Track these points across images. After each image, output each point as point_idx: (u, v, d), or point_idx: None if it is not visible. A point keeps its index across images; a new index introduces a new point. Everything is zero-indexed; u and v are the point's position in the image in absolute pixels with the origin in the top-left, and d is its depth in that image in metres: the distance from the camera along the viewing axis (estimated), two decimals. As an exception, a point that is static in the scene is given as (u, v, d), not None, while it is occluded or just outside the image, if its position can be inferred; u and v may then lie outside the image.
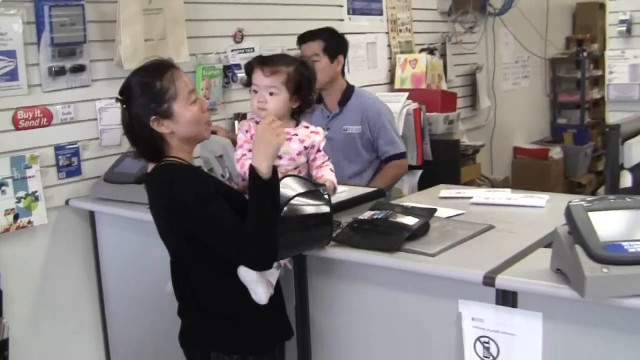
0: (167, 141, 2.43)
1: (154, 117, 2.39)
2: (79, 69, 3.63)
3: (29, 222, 3.47)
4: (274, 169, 2.34)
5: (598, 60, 8.53)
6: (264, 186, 2.31)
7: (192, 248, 2.41)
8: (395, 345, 2.53)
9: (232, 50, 4.46)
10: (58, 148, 3.59)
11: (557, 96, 8.79)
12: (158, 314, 3.30)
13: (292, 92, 2.71)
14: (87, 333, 3.84)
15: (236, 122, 4.17)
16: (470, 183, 5.71)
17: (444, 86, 5.97)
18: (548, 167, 7.80)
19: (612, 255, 1.88)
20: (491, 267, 2.20)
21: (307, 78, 2.76)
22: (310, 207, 2.39)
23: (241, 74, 4.33)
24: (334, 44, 4.03)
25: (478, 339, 2.27)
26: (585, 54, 8.59)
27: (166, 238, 2.52)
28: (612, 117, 5.80)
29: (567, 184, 8.07)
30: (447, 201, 3.18)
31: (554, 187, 7.44)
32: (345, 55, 4.11)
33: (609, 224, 1.98)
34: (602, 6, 7.49)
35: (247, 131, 2.76)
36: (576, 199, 2.09)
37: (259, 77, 2.71)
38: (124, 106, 2.44)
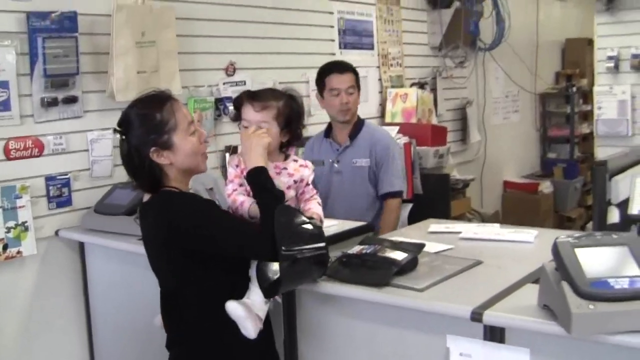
0: (165, 172, 2.44)
1: (153, 148, 2.40)
2: (72, 100, 3.65)
3: (18, 252, 3.47)
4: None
5: (587, 95, 8.60)
6: (266, 177, 2.47)
7: (188, 274, 2.41)
8: (384, 379, 2.52)
9: (224, 83, 4.49)
10: (49, 178, 3.60)
11: (546, 130, 8.85)
12: (146, 346, 3.28)
13: (282, 126, 2.72)
14: (75, 364, 3.82)
15: (227, 154, 4.19)
16: (460, 217, 5.72)
17: (434, 120, 6.01)
18: (538, 201, 7.82)
19: (598, 292, 1.89)
20: (479, 303, 2.20)
21: (297, 112, 2.77)
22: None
23: (232, 107, 4.35)
24: (358, 79, 4.04)
25: (466, 374, 2.27)
26: (574, 89, 8.66)
27: (159, 267, 2.52)
28: (601, 152, 5.86)
29: (557, 218, 8.09)
30: (436, 236, 3.19)
31: (544, 221, 7.46)
32: None
33: (595, 260, 1.99)
34: (590, 42, 7.59)
35: (237, 165, 2.77)
36: (563, 235, 2.10)
37: (249, 113, 2.71)
38: (123, 137, 2.44)
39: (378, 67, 5.88)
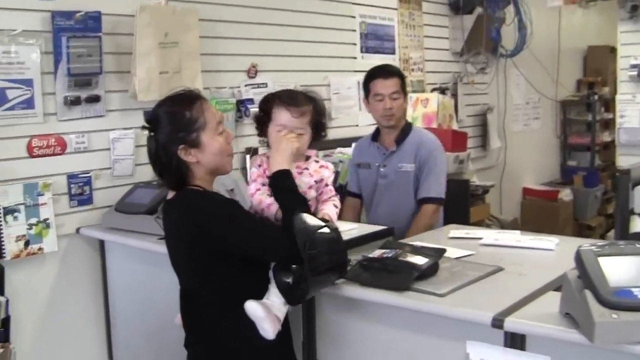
0: (191, 170, 2.45)
1: (182, 146, 2.40)
2: (94, 99, 3.67)
3: (40, 248, 3.49)
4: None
5: (609, 104, 8.56)
6: (291, 181, 2.52)
7: (209, 273, 2.42)
8: (402, 384, 2.52)
9: (246, 85, 4.50)
10: (71, 176, 3.62)
11: (567, 138, 8.81)
12: (164, 345, 3.29)
13: (313, 130, 2.75)
14: (93, 362, 3.84)
15: (247, 156, 4.20)
16: (479, 223, 5.70)
17: (454, 126, 5.99)
18: (557, 209, 7.78)
19: (621, 301, 1.88)
20: (500, 309, 2.19)
21: (322, 115, 2.82)
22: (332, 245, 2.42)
23: (254, 109, 4.36)
24: (404, 83, 3.98)
25: (485, 381, 2.26)
26: (596, 97, 8.62)
27: (181, 265, 2.53)
28: (623, 160, 5.81)
29: (577, 226, 8.05)
30: (457, 241, 3.18)
31: (563, 229, 7.42)
32: None
33: (618, 269, 1.97)
34: (613, 50, 7.55)
35: (259, 165, 2.79)
36: (586, 244, 2.09)
37: (285, 117, 2.71)
38: (152, 134, 2.45)
39: (399, 71, 5.87)
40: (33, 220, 3.45)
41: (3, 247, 3.35)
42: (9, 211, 3.36)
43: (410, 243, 2.82)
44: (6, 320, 3.25)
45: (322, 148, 4.05)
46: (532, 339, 2.15)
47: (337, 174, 4.62)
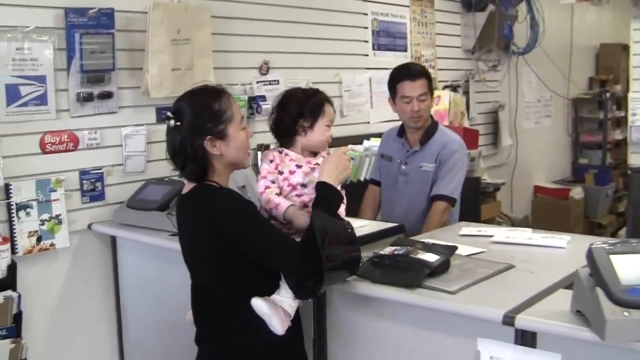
0: (212, 164, 2.45)
1: (209, 136, 2.41)
2: (107, 95, 3.68)
3: (52, 244, 3.51)
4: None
5: (621, 102, 8.54)
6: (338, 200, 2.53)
7: (223, 269, 2.42)
8: (412, 381, 2.52)
9: (258, 82, 4.51)
10: (83, 173, 3.64)
11: (578, 136, 8.79)
12: (175, 342, 3.30)
13: None
14: (104, 357, 3.85)
15: (259, 152, 4.20)
16: (490, 221, 5.70)
17: (466, 123, 5.99)
18: (568, 207, 7.77)
19: (633, 299, 1.87)
20: (511, 307, 2.19)
21: None
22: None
23: (266, 106, 4.37)
24: (431, 82, 3.91)
25: (496, 378, 2.26)
26: (608, 94, 8.59)
27: (194, 261, 2.53)
28: (634, 159, 5.77)
29: (588, 224, 8.03)
30: (468, 239, 3.18)
31: (574, 227, 7.41)
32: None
33: (631, 267, 1.96)
34: (625, 47, 7.51)
35: (271, 161, 2.79)
36: (598, 241, 2.08)
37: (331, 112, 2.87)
38: (178, 124, 2.43)
39: (411, 69, 5.86)
40: (45, 216, 3.47)
41: (15, 242, 3.37)
42: (21, 207, 3.38)
43: (422, 240, 2.82)
44: (18, 316, 3.28)
45: (334, 145, 4.04)
46: (543, 337, 2.15)
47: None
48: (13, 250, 3.36)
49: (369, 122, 5.38)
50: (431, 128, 3.88)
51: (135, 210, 3.58)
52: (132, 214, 3.58)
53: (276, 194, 2.71)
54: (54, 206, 3.50)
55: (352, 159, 2.64)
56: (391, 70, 3.90)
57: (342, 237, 2.40)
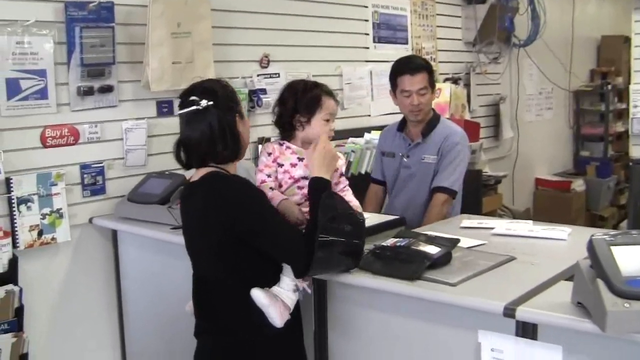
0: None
1: (237, 114, 2.50)
2: (107, 89, 3.68)
3: (53, 238, 3.51)
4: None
5: (622, 94, 8.52)
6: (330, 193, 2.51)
7: (227, 260, 2.43)
8: (413, 373, 2.52)
9: (258, 75, 4.51)
10: (84, 167, 3.64)
11: (580, 128, 8.78)
12: (176, 335, 3.31)
13: None
14: (106, 350, 3.86)
15: (260, 146, 4.20)
16: (491, 213, 5.69)
17: (467, 116, 5.98)
18: (570, 200, 7.76)
19: (634, 290, 1.87)
20: (512, 299, 2.19)
21: None
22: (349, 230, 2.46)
23: (266, 99, 4.37)
24: (432, 75, 3.89)
25: (497, 370, 2.26)
26: (609, 87, 8.58)
27: (199, 250, 2.53)
28: (636, 150, 5.77)
29: (589, 216, 8.03)
30: (469, 231, 3.18)
31: (575, 219, 7.40)
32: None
33: (631, 258, 1.96)
34: (627, 39, 7.50)
35: (269, 154, 2.78)
36: (599, 233, 2.08)
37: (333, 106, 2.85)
38: (211, 103, 2.44)
39: (411, 61, 5.85)
40: (46, 210, 3.47)
41: (17, 236, 3.37)
42: (22, 201, 3.38)
43: (424, 232, 2.82)
44: (20, 310, 3.28)
45: (334, 138, 4.03)
46: (544, 329, 2.15)
47: (349, 164, 4.62)
48: (14, 245, 3.36)
49: (369, 115, 5.38)
50: (433, 120, 3.88)
51: (136, 203, 3.58)
52: (133, 207, 3.58)
53: (271, 188, 2.71)
54: (55, 200, 3.50)
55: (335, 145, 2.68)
56: (392, 63, 3.89)
57: (352, 220, 2.45)
